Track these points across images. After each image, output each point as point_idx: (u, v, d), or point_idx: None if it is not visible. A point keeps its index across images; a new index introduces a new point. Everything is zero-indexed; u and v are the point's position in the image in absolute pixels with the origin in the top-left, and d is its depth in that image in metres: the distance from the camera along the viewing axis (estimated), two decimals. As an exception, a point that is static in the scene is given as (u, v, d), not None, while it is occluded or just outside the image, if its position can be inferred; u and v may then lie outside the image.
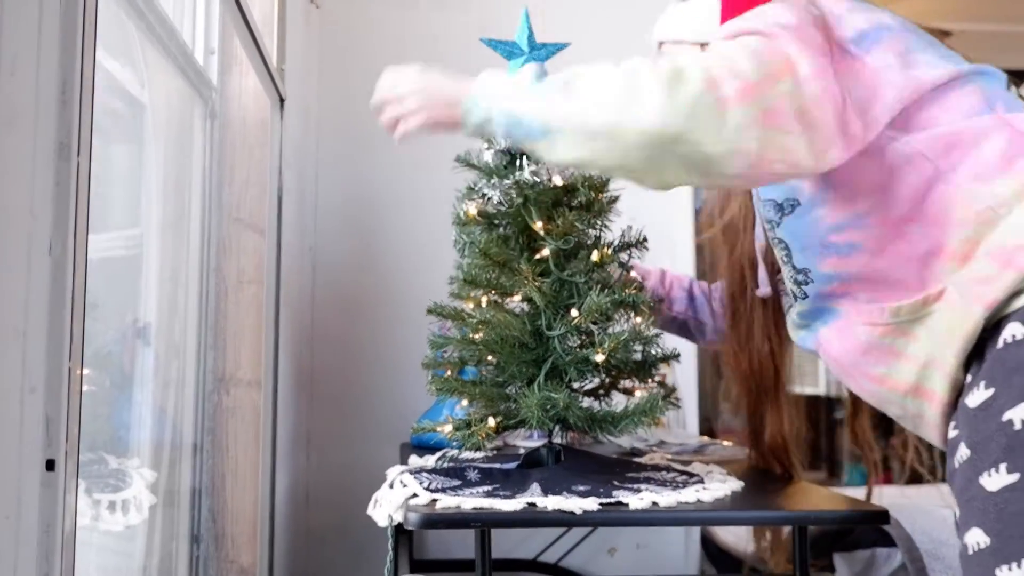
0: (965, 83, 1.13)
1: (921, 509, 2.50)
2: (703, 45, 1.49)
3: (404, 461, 1.73)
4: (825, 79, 1.03)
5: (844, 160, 1.07)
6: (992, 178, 1.05)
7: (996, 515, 0.94)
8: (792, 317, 1.33)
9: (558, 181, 1.43)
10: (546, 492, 1.29)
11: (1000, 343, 0.98)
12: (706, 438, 2.33)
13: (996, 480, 0.94)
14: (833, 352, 1.24)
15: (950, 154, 1.08)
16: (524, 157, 1.47)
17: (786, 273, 1.29)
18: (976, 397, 0.99)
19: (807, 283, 1.24)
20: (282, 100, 2.29)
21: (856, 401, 1.53)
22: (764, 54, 1.02)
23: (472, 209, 1.47)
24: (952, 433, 1.05)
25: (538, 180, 1.43)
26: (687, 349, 2.78)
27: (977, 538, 0.97)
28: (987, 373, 0.99)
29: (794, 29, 1.05)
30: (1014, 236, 1.00)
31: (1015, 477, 0.92)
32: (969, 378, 1.03)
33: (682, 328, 1.83)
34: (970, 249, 1.04)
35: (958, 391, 1.06)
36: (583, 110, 1.06)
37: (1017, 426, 0.92)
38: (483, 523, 1.23)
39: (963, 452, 1.01)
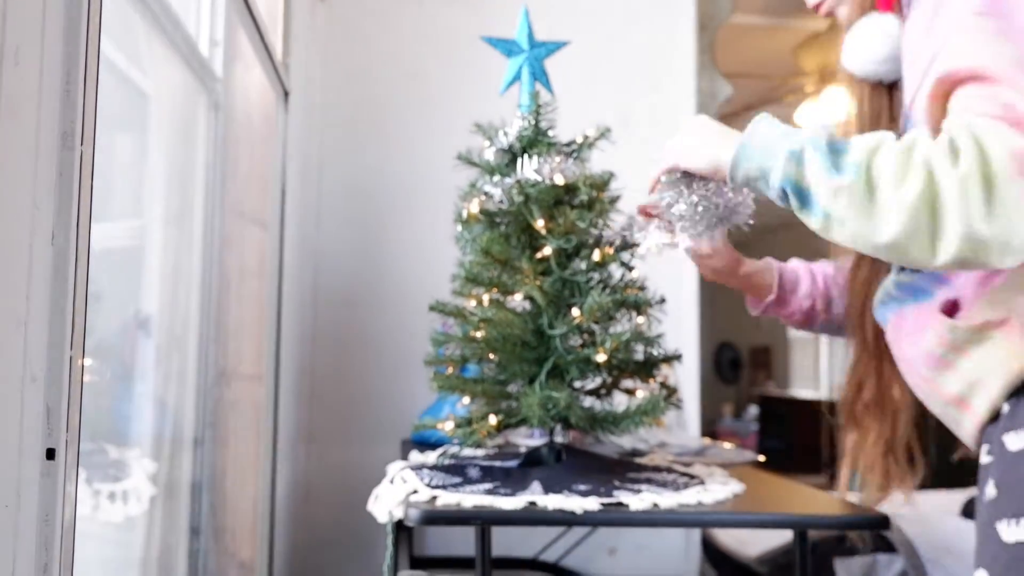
0: None
1: (923, 515, 2.49)
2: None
3: (405, 457, 1.73)
4: None
5: None
6: None
7: (1005, 567, 0.91)
8: (886, 286, 1.22)
9: (559, 180, 1.42)
10: (547, 491, 1.29)
11: None
12: (707, 440, 2.32)
13: (1014, 532, 0.91)
14: (904, 332, 1.15)
15: None
16: (525, 155, 1.47)
17: None
18: (1017, 441, 0.96)
19: None
20: (287, 94, 2.29)
21: (862, 427, 1.34)
22: None
23: (474, 207, 1.47)
24: (985, 459, 1.01)
25: (539, 179, 1.43)
26: (689, 350, 2.78)
27: None
28: None
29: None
30: None
31: None
32: (1007, 408, 1.00)
33: (838, 328, 1.51)
34: None
35: (995, 416, 1.02)
36: (872, 228, 0.94)
37: None
38: (483, 520, 1.23)
39: (990, 491, 0.97)
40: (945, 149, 0.91)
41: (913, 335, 1.12)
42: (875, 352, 1.29)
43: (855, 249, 1.02)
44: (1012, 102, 0.91)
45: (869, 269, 1.27)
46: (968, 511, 2.71)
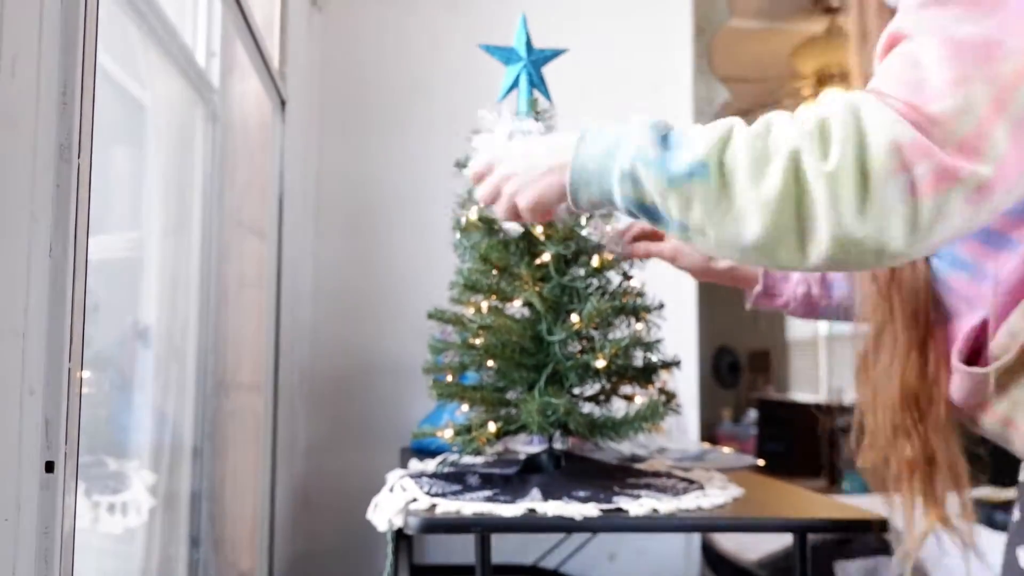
0: None
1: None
2: None
3: (404, 466, 1.73)
4: None
5: None
6: None
7: None
8: None
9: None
10: (546, 497, 1.29)
11: None
12: (707, 444, 2.32)
13: None
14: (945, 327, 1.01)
15: None
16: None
17: None
18: None
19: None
20: (283, 103, 2.29)
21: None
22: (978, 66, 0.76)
23: (472, 214, 1.47)
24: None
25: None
26: (688, 355, 2.78)
27: None
28: None
29: None
30: None
31: None
32: None
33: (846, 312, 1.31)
34: None
35: None
36: (733, 231, 0.81)
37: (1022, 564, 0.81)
38: (483, 528, 1.23)
39: (1015, 513, 0.90)
40: (815, 136, 0.78)
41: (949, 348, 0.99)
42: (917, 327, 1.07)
43: (724, 257, 0.90)
44: (928, 77, 0.77)
45: None
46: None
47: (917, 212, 0.74)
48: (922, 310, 1.04)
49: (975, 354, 0.94)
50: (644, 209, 0.87)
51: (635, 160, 0.85)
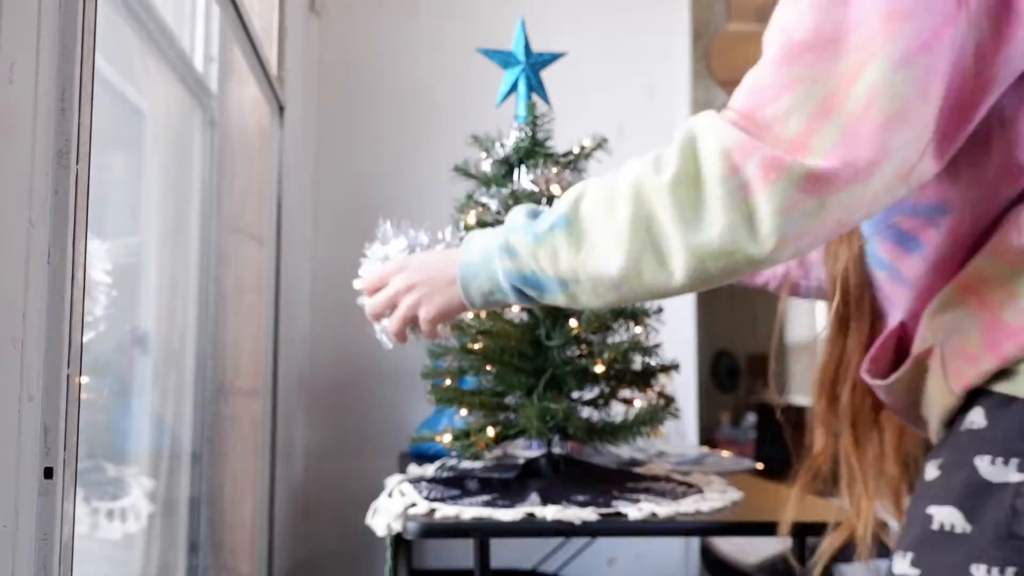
0: None
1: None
2: None
3: (403, 471, 1.73)
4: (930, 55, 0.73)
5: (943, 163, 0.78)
6: None
7: None
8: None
9: (556, 191, 1.43)
10: (545, 502, 1.29)
11: (964, 424, 0.83)
12: (706, 448, 2.32)
13: (900, 565, 0.85)
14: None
15: None
16: (522, 166, 1.48)
17: None
18: (930, 471, 0.86)
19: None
20: (281, 108, 2.29)
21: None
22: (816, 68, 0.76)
23: (471, 218, 1.47)
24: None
25: (536, 189, 1.43)
26: (686, 360, 2.78)
27: None
28: (946, 450, 0.85)
29: None
30: (1017, 317, 0.78)
31: (915, 572, 0.82)
32: (941, 435, 0.91)
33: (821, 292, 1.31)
34: (986, 290, 0.81)
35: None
36: (599, 266, 0.84)
37: (933, 524, 0.81)
38: (482, 533, 1.23)
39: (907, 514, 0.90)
40: (651, 162, 0.81)
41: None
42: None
43: (604, 306, 0.91)
44: (761, 82, 0.79)
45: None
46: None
47: (755, 210, 0.74)
48: (854, 300, 1.03)
49: (904, 355, 0.93)
50: (524, 280, 0.90)
51: (507, 233, 0.91)
